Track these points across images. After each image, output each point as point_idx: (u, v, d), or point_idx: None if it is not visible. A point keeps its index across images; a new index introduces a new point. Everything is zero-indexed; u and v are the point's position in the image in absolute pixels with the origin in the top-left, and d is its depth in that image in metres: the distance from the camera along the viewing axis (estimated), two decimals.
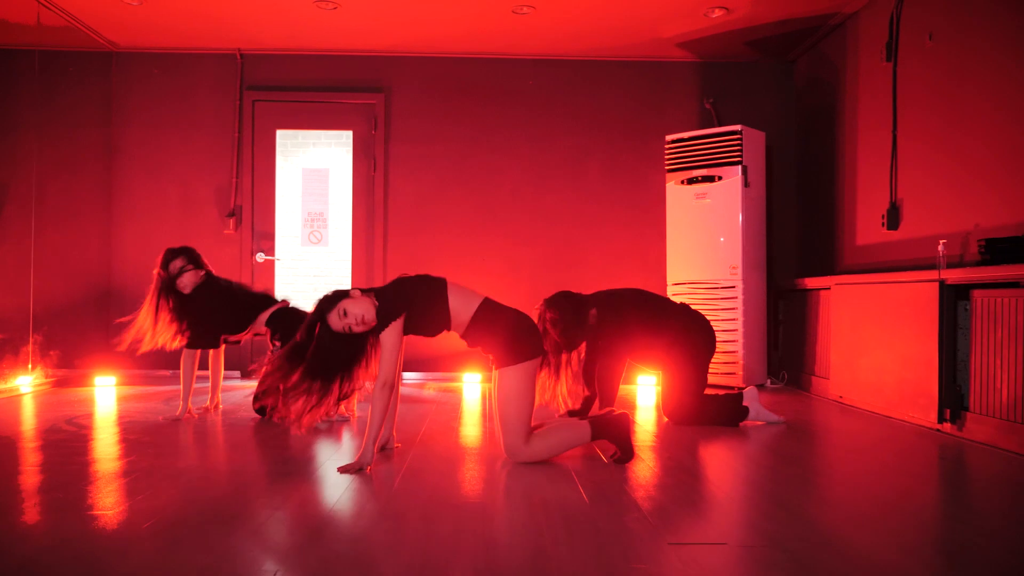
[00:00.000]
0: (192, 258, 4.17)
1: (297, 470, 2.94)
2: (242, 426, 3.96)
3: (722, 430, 3.93)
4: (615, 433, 3.12)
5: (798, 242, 6.23)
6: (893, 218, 4.64)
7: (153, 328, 4.09)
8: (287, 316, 4.24)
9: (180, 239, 6.19)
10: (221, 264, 6.19)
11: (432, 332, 3.09)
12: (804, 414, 4.56)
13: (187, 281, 4.12)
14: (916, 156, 4.48)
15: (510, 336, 3.05)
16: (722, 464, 3.21)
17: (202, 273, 4.18)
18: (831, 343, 4.98)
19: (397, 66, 6.27)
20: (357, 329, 2.96)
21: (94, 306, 6.16)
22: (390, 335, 2.95)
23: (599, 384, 4.06)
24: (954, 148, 4.11)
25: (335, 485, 2.69)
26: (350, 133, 6.31)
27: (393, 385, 2.97)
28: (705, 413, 4.06)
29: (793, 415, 4.47)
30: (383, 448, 3.27)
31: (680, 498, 2.59)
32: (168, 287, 4.11)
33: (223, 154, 6.25)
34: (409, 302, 3.01)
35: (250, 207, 6.23)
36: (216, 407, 4.48)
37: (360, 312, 2.94)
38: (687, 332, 4.09)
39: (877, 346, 4.40)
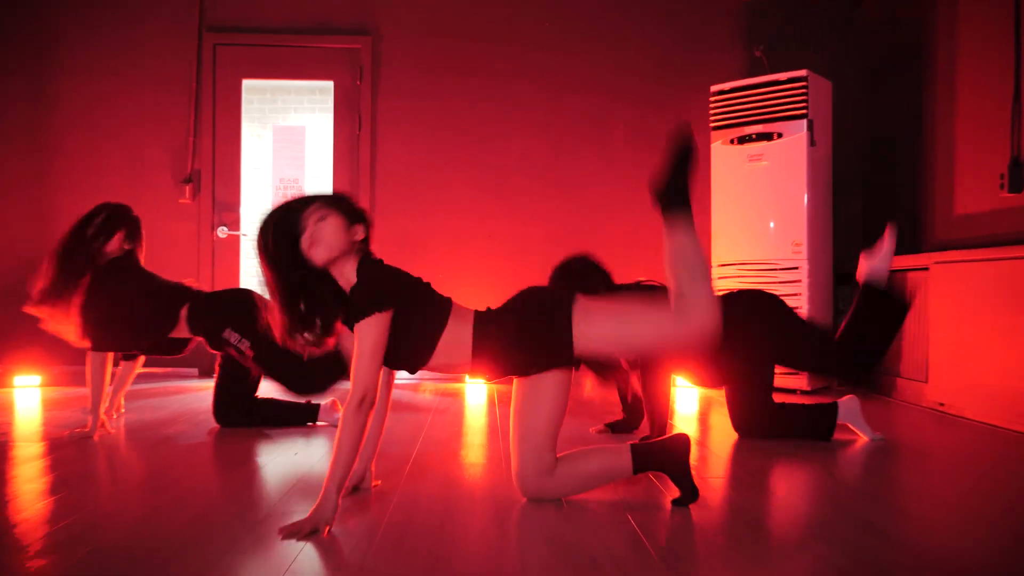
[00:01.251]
0: (123, 223, 3.18)
1: (222, 526, 1.93)
2: (168, 445, 2.94)
3: (808, 447, 2.95)
4: (670, 463, 2.14)
5: (864, 213, 5.22)
6: (1016, 177, 3.63)
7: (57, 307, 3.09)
8: (238, 304, 3.23)
9: None
10: (177, 238, 5.18)
11: (395, 361, 2.12)
12: (900, 427, 3.56)
13: (104, 248, 3.13)
14: None
15: (526, 340, 2.11)
16: (814, 502, 2.21)
17: (127, 247, 3.19)
18: (929, 337, 3.97)
19: (387, 3, 5.24)
20: (309, 252, 2.02)
21: (18, 291, 5.12)
22: (372, 329, 1.97)
23: (645, 400, 3.03)
24: None
25: (275, 559, 1.69)
26: (330, 84, 5.28)
27: (373, 402, 1.97)
28: (787, 424, 3.08)
29: (885, 428, 3.46)
30: (355, 489, 2.26)
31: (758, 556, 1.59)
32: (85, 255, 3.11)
33: (178, 109, 5.22)
34: (409, 301, 2.06)
35: (211, 172, 5.20)
36: (117, 410, 3.49)
37: (327, 237, 2.03)
38: (755, 323, 3.10)
39: (999, 341, 3.40)
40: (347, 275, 2.06)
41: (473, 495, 2.27)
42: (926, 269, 4.01)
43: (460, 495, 2.26)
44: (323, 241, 2.01)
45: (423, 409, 3.92)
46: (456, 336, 2.09)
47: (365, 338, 1.96)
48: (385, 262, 2.13)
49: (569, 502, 2.14)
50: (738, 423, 3.12)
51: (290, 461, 2.68)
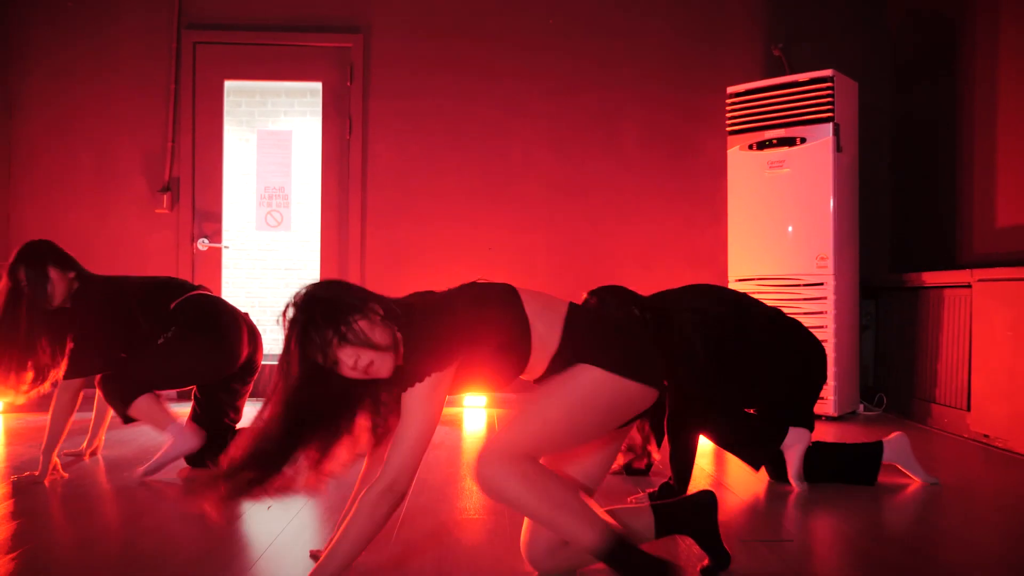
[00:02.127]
0: (49, 258, 2.81)
1: None
2: (125, 493, 2.59)
3: (853, 492, 2.61)
4: (696, 524, 1.80)
5: (892, 224, 4.88)
6: None
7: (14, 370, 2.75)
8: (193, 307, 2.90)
9: (98, 220, 4.85)
10: (153, 251, 4.83)
11: (497, 382, 1.77)
12: (943, 463, 3.21)
13: (54, 292, 2.79)
14: None
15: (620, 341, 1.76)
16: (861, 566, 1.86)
17: (71, 276, 2.84)
18: (972, 361, 3.63)
19: None
20: (349, 374, 1.62)
21: None
22: (425, 397, 1.61)
23: (672, 453, 2.65)
24: None
25: None
26: (319, 86, 4.93)
27: (405, 494, 1.61)
28: (828, 466, 2.74)
29: (926, 462, 3.11)
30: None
31: None
32: (25, 303, 2.75)
33: (155, 111, 4.87)
34: (470, 338, 1.66)
35: (190, 180, 4.85)
36: (95, 451, 3.14)
37: (363, 352, 1.61)
38: (793, 356, 2.76)
39: None
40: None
41: (475, 563, 1.92)
42: (968, 287, 3.67)
43: (458, 567, 1.91)
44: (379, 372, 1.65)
45: None
46: (544, 327, 1.72)
47: (416, 408, 1.60)
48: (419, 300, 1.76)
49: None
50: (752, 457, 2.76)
51: (263, 518, 2.33)
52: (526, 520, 1.78)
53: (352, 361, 1.59)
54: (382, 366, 1.62)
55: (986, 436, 3.49)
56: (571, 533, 1.60)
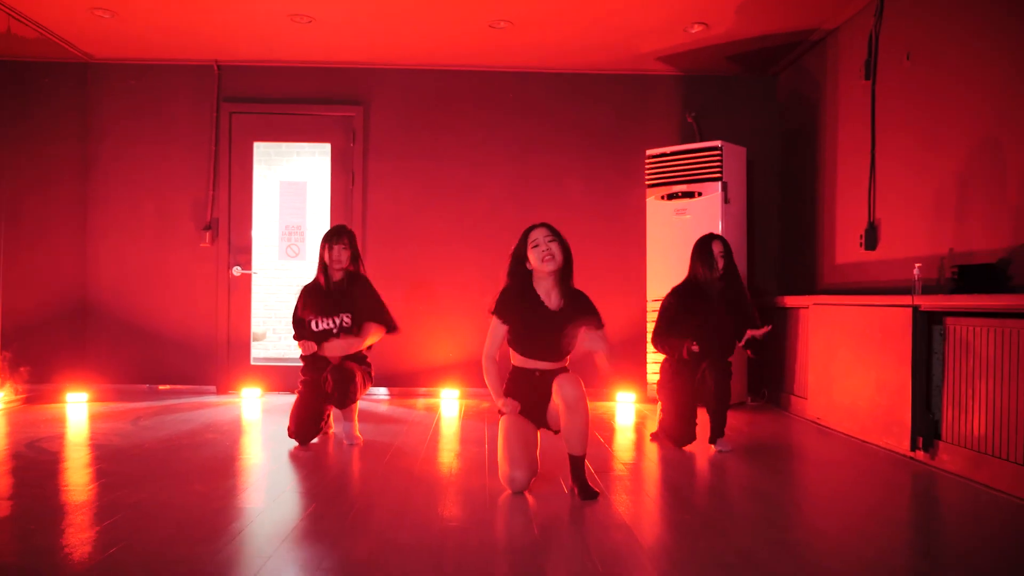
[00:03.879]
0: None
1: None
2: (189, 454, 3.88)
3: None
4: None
5: (779, 258, 6.17)
6: (871, 238, 4.58)
7: None
8: None
9: (156, 253, 6.14)
10: (198, 277, 6.13)
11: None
12: (780, 436, 4.50)
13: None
14: (894, 176, 4.43)
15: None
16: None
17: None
18: (809, 364, 4.92)
19: (375, 78, 6.21)
20: (547, 266, 3.17)
21: (68, 322, 6.09)
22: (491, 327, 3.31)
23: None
24: (931, 170, 4.05)
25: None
26: (328, 146, 6.25)
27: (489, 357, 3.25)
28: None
29: (770, 436, 4.41)
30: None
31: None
32: None
33: (200, 167, 6.18)
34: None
35: (227, 220, 6.16)
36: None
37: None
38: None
39: (853, 369, 4.34)
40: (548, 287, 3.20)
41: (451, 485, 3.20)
42: (807, 308, 4.96)
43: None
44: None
45: (397, 421, 4.86)
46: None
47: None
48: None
49: None
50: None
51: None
52: (506, 452, 3.06)
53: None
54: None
55: (818, 419, 4.77)
56: (584, 437, 3.00)
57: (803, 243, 5.69)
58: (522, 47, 5.72)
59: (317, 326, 4.11)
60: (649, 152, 5.82)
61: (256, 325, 6.87)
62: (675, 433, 4.00)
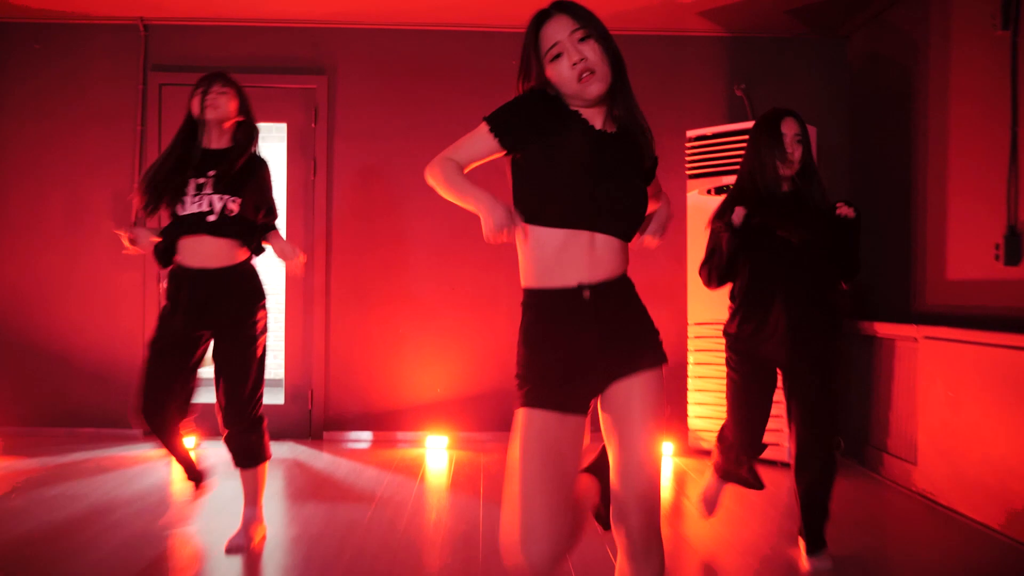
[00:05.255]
0: None
1: None
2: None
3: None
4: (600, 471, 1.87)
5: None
6: (1014, 249, 3.32)
7: None
8: None
9: (67, 258, 4.90)
10: (120, 292, 4.88)
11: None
12: (888, 518, 3.25)
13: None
14: None
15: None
16: None
17: None
18: (918, 416, 3.66)
19: (344, 40, 4.92)
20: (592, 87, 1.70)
21: None
22: None
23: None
24: None
25: None
26: (283, 127, 4.97)
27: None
28: None
29: (865, 514, 3.16)
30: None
31: None
32: None
33: (123, 152, 4.91)
34: None
35: (156, 219, 4.87)
36: None
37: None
38: None
39: (996, 433, 3.09)
40: None
41: None
42: (915, 340, 3.69)
43: None
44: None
45: (364, 497, 3.60)
46: None
47: None
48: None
49: None
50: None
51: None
52: (522, 505, 1.57)
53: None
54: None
55: (931, 493, 3.52)
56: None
57: (891, 252, 4.42)
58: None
59: (182, 205, 2.71)
60: (690, 134, 4.55)
61: None
62: (739, 438, 2.76)
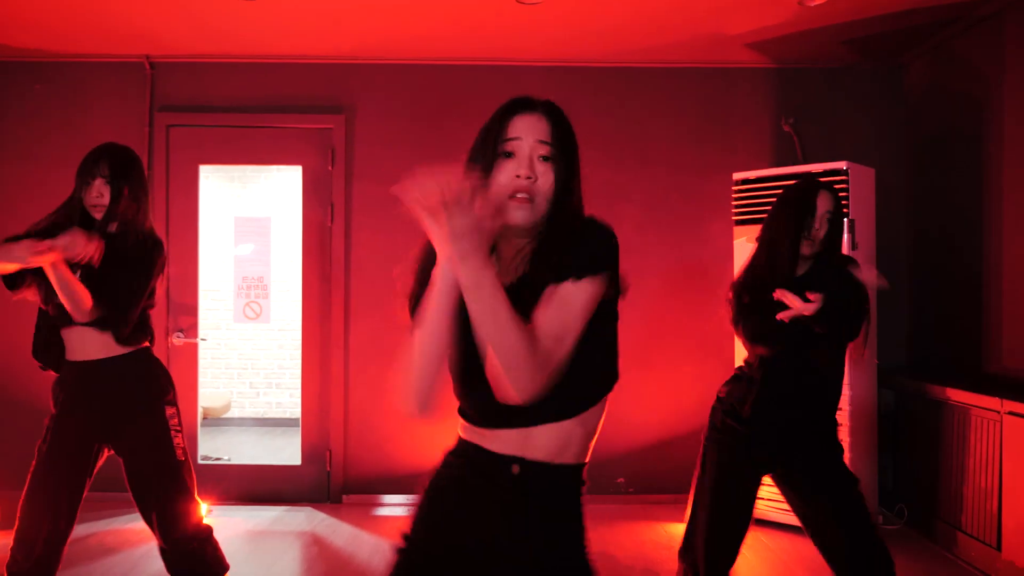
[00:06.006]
0: None
1: None
2: None
3: None
4: None
5: (914, 319, 4.53)
6: None
7: None
8: None
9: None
10: None
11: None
12: None
13: None
14: None
15: None
16: None
17: None
18: (1004, 496, 3.30)
19: (363, 76, 4.61)
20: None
21: None
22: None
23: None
24: None
25: None
26: (299, 169, 4.66)
27: None
28: None
29: None
30: None
31: None
32: None
33: None
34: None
35: (164, 272, 4.59)
36: None
37: None
38: None
39: None
40: None
41: None
42: (997, 413, 3.33)
43: None
44: None
45: None
46: None
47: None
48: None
49: None
50: None
51: None
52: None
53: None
54: None
55: None
56: None
57: (959, 304, 4.06)
58: (557, 32, 4.12)
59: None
60: (737, 176, 4.21)
61: (207, 399, 5.33)
62: (710, 547, 2.40)
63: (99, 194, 2.55)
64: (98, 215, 2.55)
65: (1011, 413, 3.23)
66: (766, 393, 2.40)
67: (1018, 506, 3.19)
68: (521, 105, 1.40)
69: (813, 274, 2.42)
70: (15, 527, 2.46)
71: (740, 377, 2.50)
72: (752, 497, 2.45)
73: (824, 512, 2.39)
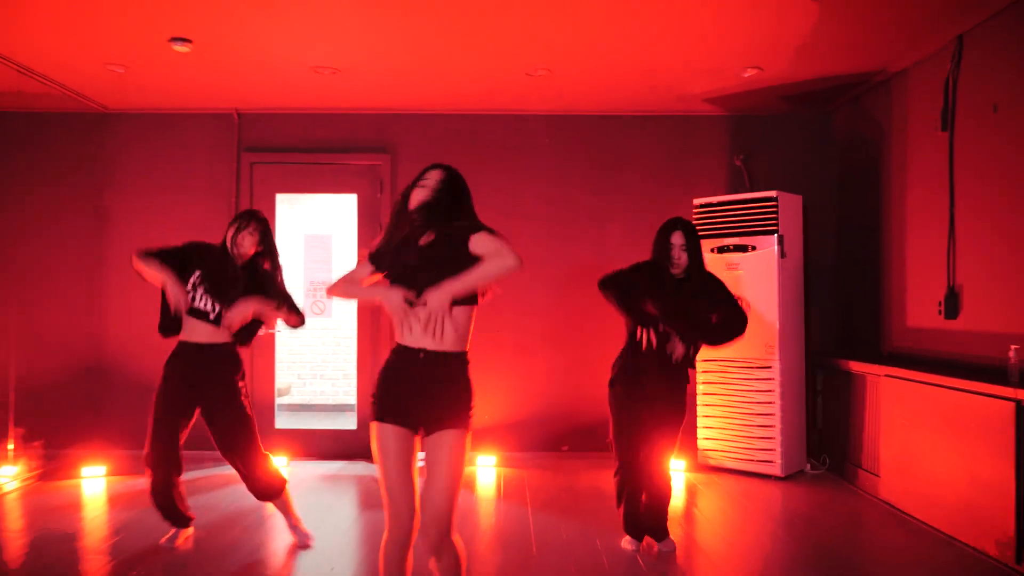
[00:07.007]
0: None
1: None
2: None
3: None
4: None
5: (838, 315, 5.74)
6: (952, 306, 4.16)
7: None
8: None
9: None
10: None
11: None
12: (855, 524, 4.09)
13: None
14: (979, 239, 4.01)
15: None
16: None
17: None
18: (881, 439, 4.50)
19: (403, 124, 5.87)
20: None
21: (80, 385, 5.79)
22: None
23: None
24: None
25: None
26: (354, 197, 5.91)
27: None
28: None
29: (840, 521, 4.00)
30: None
31: None
32: None
33: (220, 220, 5.84)
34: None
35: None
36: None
37: None
38: None
39: (938, 455, 3.93)
40: None
41: None
42: (878, 377, 4.54)
43: None
44: None
45: None
46: None
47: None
48: None
49: None
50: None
51: None
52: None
53: None
54: None
55: (893, 503, 4.35)
56: None
57: (866, 299, 5.27)
58: (559, 92, 5.36)
59: (200, 302, 3.64)
60: (697, 201, 5.43)
61: (279, 380, 6.55)
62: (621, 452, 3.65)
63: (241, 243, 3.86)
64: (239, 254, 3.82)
65: (887, 375, 4.43)
66: (632, 362, 3.64)
67: (892, 442, 4.38)
68: (432, 166, 2.69)
69: (685, 280, 3.58)
70: (145, 453, 3.62)
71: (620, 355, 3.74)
72: (639, 420, 3.62)
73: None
